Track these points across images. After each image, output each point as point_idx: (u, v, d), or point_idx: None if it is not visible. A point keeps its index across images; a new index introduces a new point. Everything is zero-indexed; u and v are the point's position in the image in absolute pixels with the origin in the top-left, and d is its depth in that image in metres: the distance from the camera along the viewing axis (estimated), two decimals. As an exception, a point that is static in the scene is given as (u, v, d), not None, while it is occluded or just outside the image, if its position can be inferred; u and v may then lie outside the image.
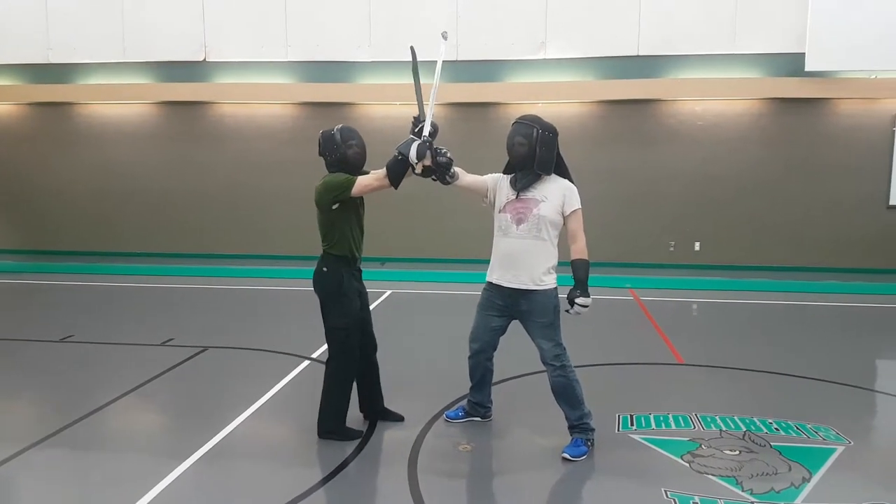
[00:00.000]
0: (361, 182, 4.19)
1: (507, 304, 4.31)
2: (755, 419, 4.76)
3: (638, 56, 10.63)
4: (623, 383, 5.71)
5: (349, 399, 4.48)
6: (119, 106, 11.92)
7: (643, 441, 4.43)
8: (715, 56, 10.50)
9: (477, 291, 4.53)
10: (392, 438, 4.51)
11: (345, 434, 4.45)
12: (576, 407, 4.26)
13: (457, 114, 10.89)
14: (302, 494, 3.71)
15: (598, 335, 7.25)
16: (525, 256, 4.18)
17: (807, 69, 10.00)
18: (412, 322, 7.96)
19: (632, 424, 4.71)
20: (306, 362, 6.11)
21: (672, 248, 11.09)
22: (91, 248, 12.21)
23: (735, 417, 4.79)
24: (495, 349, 4.55)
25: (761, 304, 8.98)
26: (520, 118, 4.27)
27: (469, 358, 4.57)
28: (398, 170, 4.06)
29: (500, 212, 4.28)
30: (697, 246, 11.04)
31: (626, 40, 10.63)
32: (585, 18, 10.66)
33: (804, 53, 9.98)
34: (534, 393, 5.16)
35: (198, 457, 4.18)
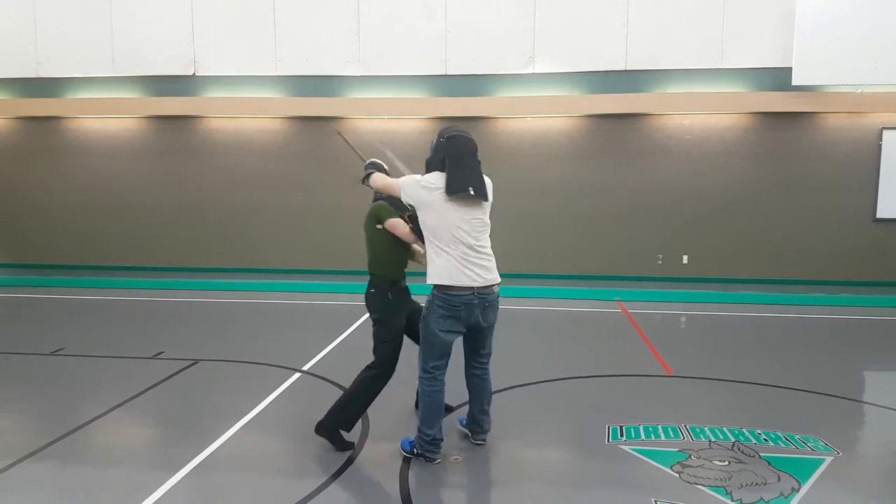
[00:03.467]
0: (393, 225, 4.54)
1: None
2: (744, 430, 4.79)
3: (626, 71, 10.71)
4: (613, 395, 5.73)
5: (365, 410, 4.57)
6: (108, 120, 11.88)
7: (633, 452, 4.45)
8: (702, 71, 10.60)
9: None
10: (383, 450, 4.50)
11: (338, 442, 4.48)
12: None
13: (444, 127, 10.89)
14: (292, 507, 3.71)
15: (588, 347, 7.31)
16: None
17: (793, 83, 10.07)
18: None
19: (621, 435, 4.73)
20: (297, 374, 6.10)
21: (660, 262, 11.14)
22: (81, 262, 12.15)
23: (724, 428, 4.82)
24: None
25: (749, 316, 9.04)
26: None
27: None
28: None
29: None
30: (685, 259, 11.10)
31: (614, 55, 10.70)
32: (573, 33, 10.73)
33: (791, 68, 10.06)
34: (525, 404, 5.17)
35: (189, 469, 4.17)
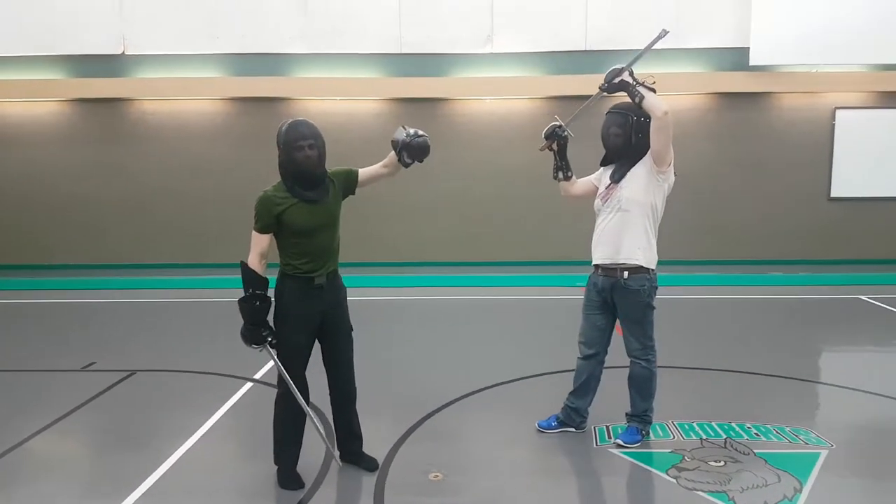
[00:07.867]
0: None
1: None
2: (734, 424, 4.58)
3: (585, 51, 10.54)
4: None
5: (288, 444, 3.85)
6: (29, 104, 11.09)
7: (625, 456, 4.15)
8: (661, 51, 10.41)
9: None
10: (354, 470, 4.00)
11: (281, 479, 3.83)
12: (646, 399, 4.34)
13: (401, 109, 10.62)
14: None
15: (556, 339, 6.95)
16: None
17: (751, 63, 10.15)
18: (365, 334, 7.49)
19: (609, 437, 4.44)
20: (249, 384, 5.56)
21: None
22: None
23: (713, 423, 4.59)
24: (607, 351, 4.52)
25: (709, 298, 8.98)
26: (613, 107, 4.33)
27: (579, 359, 4.50)
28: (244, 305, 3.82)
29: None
30: (644, 242, 11.02)
31: (574, 35, 10.57)
32: (532, 13, 10.56)
33: (748, 48, 10.15)
34: (494, 409, 4.84)
35: (136, 498, 3.67)
